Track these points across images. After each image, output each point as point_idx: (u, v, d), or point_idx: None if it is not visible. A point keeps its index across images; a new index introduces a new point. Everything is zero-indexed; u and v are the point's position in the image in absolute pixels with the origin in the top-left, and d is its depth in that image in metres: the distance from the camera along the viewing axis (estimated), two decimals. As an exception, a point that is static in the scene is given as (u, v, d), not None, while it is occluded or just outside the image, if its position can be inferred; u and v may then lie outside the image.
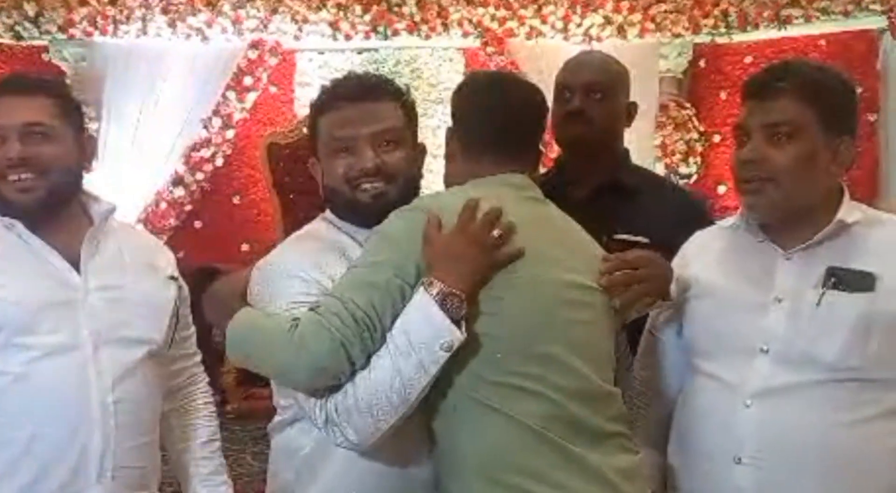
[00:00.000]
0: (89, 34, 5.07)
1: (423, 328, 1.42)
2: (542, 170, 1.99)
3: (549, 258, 1.54)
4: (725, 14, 5.13)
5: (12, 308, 1.67)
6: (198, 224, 5.35)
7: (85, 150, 1.81)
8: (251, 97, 5.29)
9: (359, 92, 1.64)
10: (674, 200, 2.23)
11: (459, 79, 5.40)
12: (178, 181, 5.21)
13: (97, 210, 1.81)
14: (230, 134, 5.27)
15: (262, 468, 1.75)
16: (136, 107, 5.07)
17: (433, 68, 5.43)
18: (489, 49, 5.21)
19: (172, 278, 1.87)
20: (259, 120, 5.39)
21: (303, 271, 1.55)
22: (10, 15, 5.01)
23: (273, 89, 5.40)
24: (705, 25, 5.18)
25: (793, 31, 5.09)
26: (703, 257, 1.77)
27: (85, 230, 1.77)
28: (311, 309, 1.47)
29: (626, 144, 2.27)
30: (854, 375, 1.55)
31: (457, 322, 1.42)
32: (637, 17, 5.13)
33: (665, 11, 5.15)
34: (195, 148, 5.22)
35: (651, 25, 5.15)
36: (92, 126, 4.52)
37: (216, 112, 5.21)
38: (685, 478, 1.71)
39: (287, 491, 1.62)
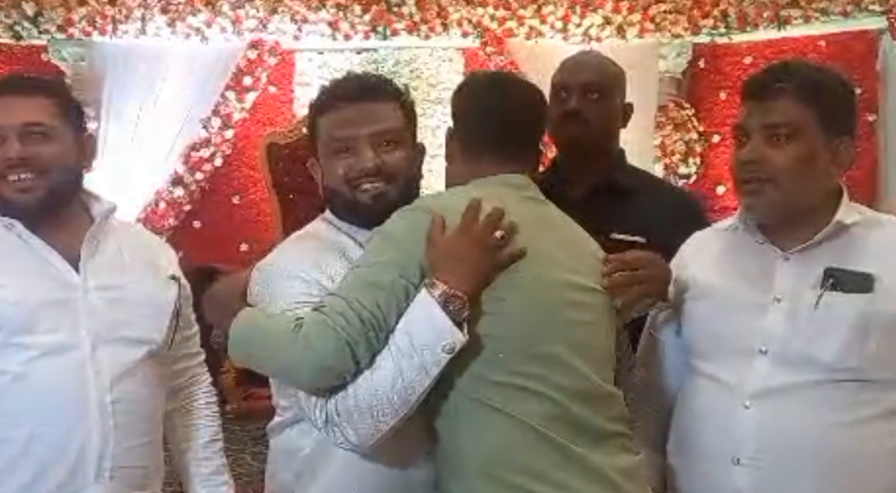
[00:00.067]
0: (88, 34, 5.06)
1: (426, 330, 1.42)
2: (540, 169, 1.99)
3: (550, 259, 1.54)
4: (725, 14, 5.13)
5: (12, 308, 1.67)
6: (197, 224, 5.35)
7: (85, 149, 1.81)
8: (251, 97, 5.28)
9: (358, 92, 1.64)
10: (669, 200, 2.23)
11: (459, 79, 5.42)
12: (177, 181, 5.20)
13: (98, 209, 1.82)
14: (229, 134, 5.26)
15: (262, 468, 1.75)
16: (135, 106, 5.06)
17: (433, 68, 5.43)
18: (489, 49, 5.21)
19: (173, 277, 1.87)
20: (258, 120, 5.38)
21: (303, 271, 1.55)
22: (8, 14, 5.00)
23: (272, 89, 5.39)
24: (705, 26, 5.17)
25: (792, 32, 5.08)
26: (701, 258, 1.78)
27: (86, 230, 1.77)
28: (316, 309, 1.47)
29: (625, 145, 2.28)
30: (852, 375, 1.55)
31: (459, 324, 1.42)
32: (636, 17, 5.12)
33: (664, 12, 5.14)
34: (194, 148, 5.21)
35: (650, 26, 5.15)
36: (91, 126, 4.51)
37: (215, 112, 5.20)
38: (684, 479, 1.71)
39: (287, 492, 1.62)
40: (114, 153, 4.89)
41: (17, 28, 5.03)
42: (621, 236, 1.82)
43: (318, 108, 1.67)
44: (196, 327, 1.97)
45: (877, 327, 1.55)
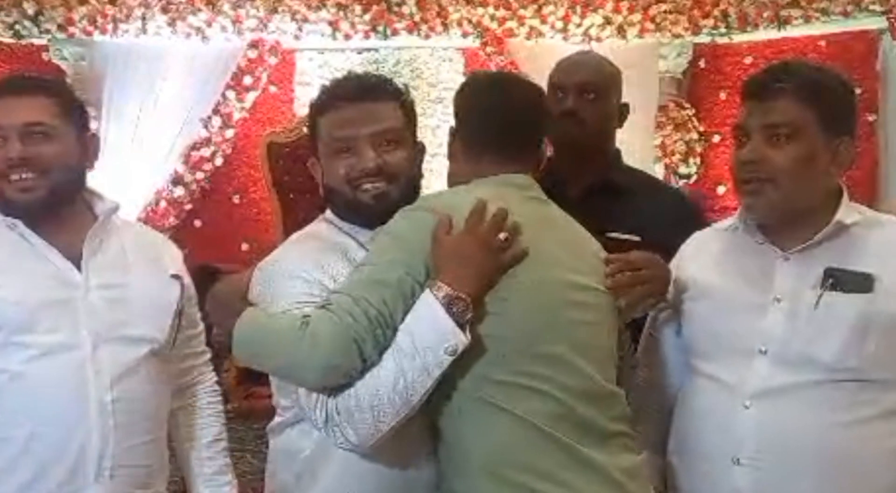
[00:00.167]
0: (89, 33, 5.06)
1: (429, 332, 1.42)
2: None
3: (552, 259, 1.54)
4: (725, 14, 5.12)
5: (12, 308, 1.67)
6: (197, 223, 5.35)
7: (88, 149, 1.82)
8: (251, 97, 5.28)
9: (358, 92, 1.64)
10: (665, 199, 2.24)
11: (459, 79, 5.43)
12: (177, 180, 5.20)
13: (102, 208, 1.82)
14: (230, 133, 5.27)
15: (263, 466, 1.74)
16: (135, 106, 5.06)
17: (433, 68, 5.43)
18: (489, 49, 5.21)
19: (176, 276, 1.87)
20: (259, 119, 5.39)
21: (305, 271, 1.55)
22: (9, 13, 5.01)
23: (273, 89, 5.39)
24: (705, 26, 5.17)
25: (792, 32, 5.08)
26: (701, 258, 1.78)
27: (89, 228, 1.77)
28: (322, 307, 1.47)
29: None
30: (852, 376, 1.55)
31: (462, 326, 1.42)
32: (637, 17, 5.12)
33: (665, 12, 5.14)
34: (195, 147, 5.21)
35: (651, 26, 5.15)
36: (92, 125, 4.51)
37: (216, 111, 5.21)
38: (684, 479, 1.71)
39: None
40: (114, 153, 4.89)
41: (18, 27, 5.04)
42: (617, 235, 1.82)
43: (318, 107, 1.67)
44: (201, 327, 1.97)
45: (876, 327, 1.55)
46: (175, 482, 1.96)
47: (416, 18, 5.14)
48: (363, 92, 1.64)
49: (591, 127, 2.13)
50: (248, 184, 5.44)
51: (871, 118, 4.83)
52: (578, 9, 5.11)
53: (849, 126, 1.64)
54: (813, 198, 1.62)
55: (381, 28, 5.15)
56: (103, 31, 5.06)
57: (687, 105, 5.27)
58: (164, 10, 5.04)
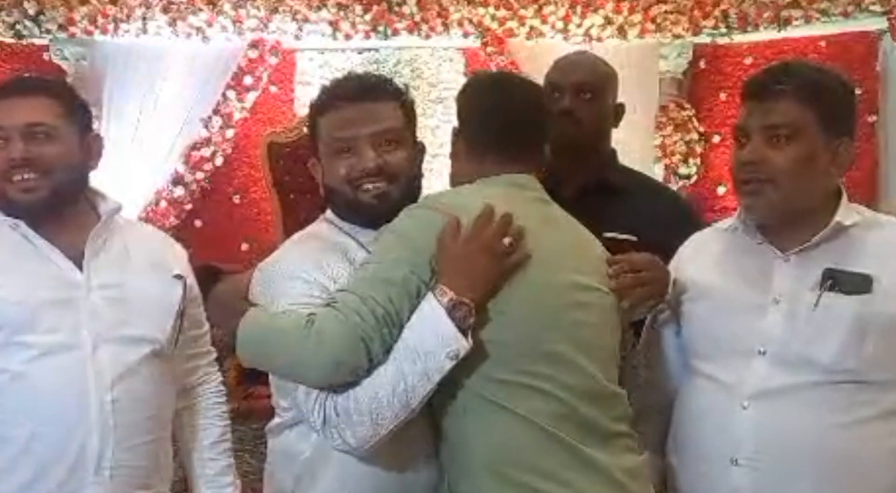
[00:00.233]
0: (90, 33, 5.05)
1: (431, 336, 1.42)
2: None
3: (555, 259, 1.55)
4: (725, 15, 5.12)
5: (14, 309, 1.67)
6: (198, 223, 5.34)
7: (91, 149, 1.82)
8: (251, 96, 5.27)
9: (358, 92, 1.64)
10: (660, 200, 2.25)
11: (460, 79, 5.44)
12: (178, 180, 5.20)
13: (105, 208, 1.82)
14: (230, 133, 5.26)
15: (262, 467, 1.74)
16: (136, 106, 5.05)
17: (433, 68, 5.42)
18: (489, 49, 5.20)
19: (179, 276, 1.87)
20: (259, 119, 5.38)
21: (305, 272, 1.55)
22: (10, 13, 5.00)
23: (273, 89, 5.39)
24: (705, 26, 5.17)
25: (793, 33, 5.07)
26: (699, 259, 1.78)
27: (92, 228, 1.77)
28: (328, 305, 1.47)
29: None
30: (850, 376, 1.55)
31: (464, 331, 1.42)
32: (637, 17, 5.12)
33: (665, 12, 5.13)
34: (195, 147, 5.21)
35: (651, 26, 5.14)
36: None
37: (216, 111, 5.20)
38: (683, 479, 1.71)
39: None
40: (114, 152, 4.89)
41: (19, 27, 5.03)
42: (613, 235, 1.83)
43: (318, 108, 1.67)
44: (206, 327, 1.97)
45: (875, 328, 1.55)
46: (175, 483, 1.96)
47: (417, 18, 5.14)
48: (363, 92, 1.64)
49: (588, 127, 2.13)
50: (248, 184, 5.44)
51: (871, 119, 4.83)
52: (579, 9, 5.11)
53: (849, 127, 1.64)
54: (812, 199, 1.63)
55: (381, 28, 5.15)
56: (104, 31, 5.06)
57: (687, 105, 5.26)
58: (165, 10, 5.04)
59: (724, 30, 5.18)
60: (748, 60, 5.21)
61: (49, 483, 1.68)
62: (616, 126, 2.25)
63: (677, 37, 5.20)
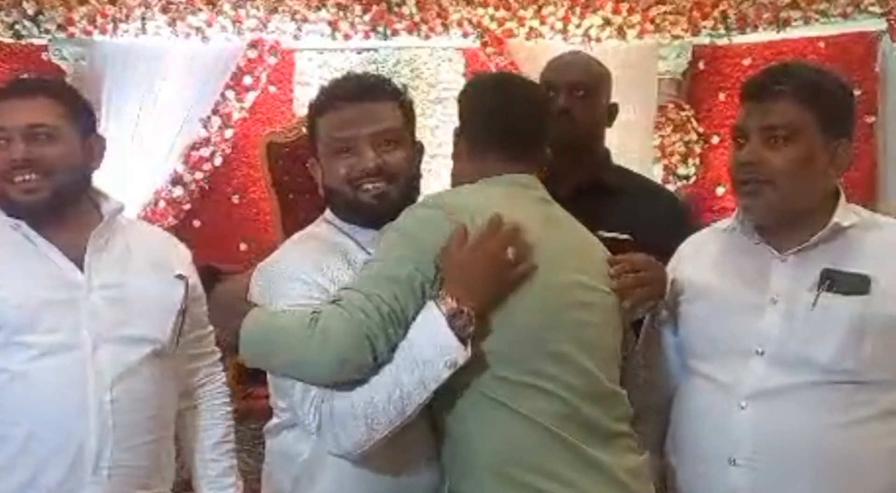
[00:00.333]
0: (89, 33, 5.05)
1: (429, 345, 1.42)
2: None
3: (558, 260, 1.55)
4: (724, 16, 5.12)
5: (14, 311, 1.68)
6: (196, 223, 5.34)
7: (92, 150, 1.82)
8: (250, 96, 5.27)
9: (357, 92, 1.64)
10: (656, 200, 2.25)
11: (459, 79, 5.44)
12: (177, 180, 5.20)
13: (107, 208, 1.82)
14: (229, 133, 5.26)
15: (260, 467, 1.74)
16: (135, 106, 5.05)
17: (432, 68, 5.42)
18: (489, 49, 5.20)
19: (180, 276, 1.86)
20: (258, 119, 5.38)
21: (304, 273, 1.55)
22: (9, 13, 5.00)
23: (272, 89, 5.38)
24: (704, 27, 5.17)
25: (792, 33, 5.07)
26: (697, 259, 1.78)
27: (95, 228, 1.78)
28: (333, 303, 1.46)
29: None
30: (848, 377, 1.55)
31: (464, 340, 1.42)
32: (636, 18, 5.12)
33: (664, 13, 5.14)
34: (194, 147, 5.20)
35: (650, 27, 5.14)
36: (91, 125, 4.51)
37: (215, 111, 5.20)
38: (681, 479, 1.71)
39: None
40: (113, 152, 4.86)
41: (18, 27, 5.03)
42: (608, 235, 1.83)
43: (317, 108, 1.67)
44: (210, 327, 1.97)
45: (873, 328, 1.55)
46: (175, 483, 1.96)
47: (416, 19, 5.14)
48: (362, 92, 1.64)
49: (582, 126, 2.14)
50: (247, 184, 5.44)
51: (870, 120, 4.83)
52: (578, 10, 5.11)
53: (847, 128, 1.65)
54: (811, 199, 1.63)
55: (380, 28, 5.15)
56: (103, 31, 5.06)
57: (686, 106, 5.26)
58: (164, 10, 5.04)
59: (722, 31, 5.18)
60: (747, 61, 5.21)
61: (48, 482, 1.68)
62: (610, 126, 2.26)
63: (676, 37, 5.20)
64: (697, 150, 5.22)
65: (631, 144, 4.65)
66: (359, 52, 5.38)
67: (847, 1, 4.86)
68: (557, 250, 1.56)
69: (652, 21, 5.14)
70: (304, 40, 5.25)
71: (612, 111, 2.25)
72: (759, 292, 1.64)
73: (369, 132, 1.61)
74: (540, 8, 5.12)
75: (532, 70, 4.73)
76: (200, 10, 5.05)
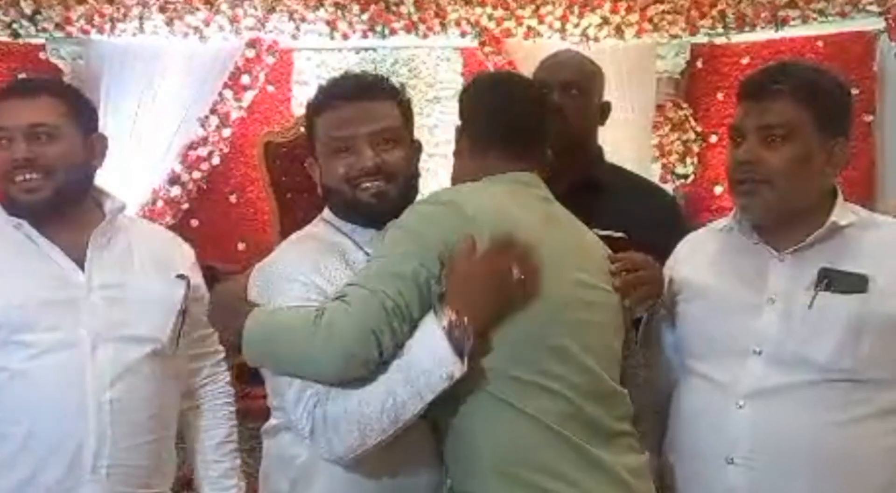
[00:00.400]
0: (86, 32, 5.05)
1: (426, 357, 1.41)
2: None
3: (560, 258, 1.54)
4: (723, 15, 5.12)
5: (16, 311, 1.68)
6: (194, 223, 5.34)
7: (94, 148, 1.82)
8: (248, 96, 5.27)
9: (355, 91, 1.64)
10: (649, 198, 2.26)
11: (457, 78, 5.43)
12: (174, 180, 5.20)
13: (110, 207, 1.83)
14: (227, 133, 5.26)
15: (258, 467, 1.74)
16: (133, 105, 5.05)
17: (431, 68, 5.43)
18: (487, 49, 5.20)
19: (181, 276, 1.86)
20: (256, 119, 5.38)
21: (302, 274, 1.55)
22: (7, 13, 4.99)
23: (270, 88, 5.39)
24: (702, 26, 5.17)
25: (790, 33, 5.08)
26: (695, 259, 1.78)
27: (97, 227, 1.78)
28: (337, 298, 1.46)
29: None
30: (846, 376, 1.55)
31: (461, 354, 1.41)
32: (634, 17, 5.12)
33: (662, 12, 5.14)
34: (192, 147, 5.20)
35: (648, 26, 5.15)
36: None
37: (213, 111, 5.20)
38: (679, 478, 1.71)
39: None
40: (111, 152, 4.88)
41: (16, 26, 5.03)
42: (603, 233, 1.83)
43: (315, 107, 1.67)
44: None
45: (870, 327, 1.55)
46: (175, 480, 1.96)
47: (414, 18, 5.14)
48: (360, 91, 1.64)
49: (576, 124, 2.14)
50: (245, 183, 5.44)
51: (868, 119, 4.84)
52: (576, 9, 5.11)
53: (844, 127, 1.65)
54: (808, 199, 1.63)
55: (378, 28, 5.15)
56: (101, 31, 5.05)
57: (684, 105, 5.27)
58: (162, 10, 5.04)
59: (721, 30, 5.19)
60: (745, 60, 5.22)
61: (47, 481, 1.68)
62: (603, 124, 2.27)
63: (674, 37, 5.20)
64: (696, 149, 5.22)
65: (629, 143, 4.65)
66: (357, 52, 5.38)
67: (845, 0, 4.86)
68: (558, 249, 1.55)
69: (650, 20, 5.15)
70: (302, 40, 5.25)
71: (605, 109, 2.25)
72: (757, 291, 1.64)
73: (368, 131, 1.61)
74: (538, 7, 5.12)
75: (530, 69, 4.71)
76: (198, 9, 5.05)
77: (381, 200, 1.60)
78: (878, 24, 4.87)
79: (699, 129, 5.25)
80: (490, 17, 5.14)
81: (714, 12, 5.13)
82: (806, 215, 1.62)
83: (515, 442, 1.47)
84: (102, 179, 1.91)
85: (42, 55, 5.14)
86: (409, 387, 1.41)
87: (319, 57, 5.40)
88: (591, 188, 2.12)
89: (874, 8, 4.83)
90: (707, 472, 1.63)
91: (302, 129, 1.85)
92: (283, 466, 1.60)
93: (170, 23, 5.06)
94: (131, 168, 5.01)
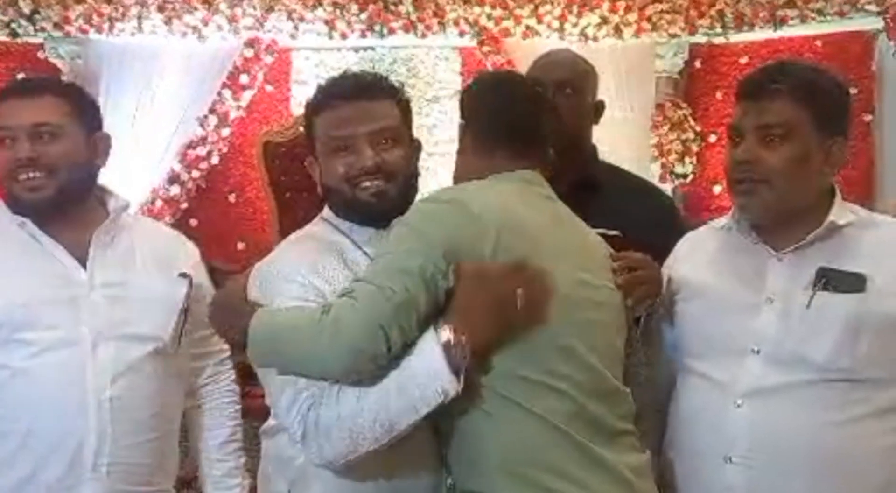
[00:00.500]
0: (85, 32, 5.05)
1: (422, 372, 1.41)
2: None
3: (564, 258, 1.55)
4: (721, 14, 5.12)
5: (19, 310, 1.69)
6: (193, 222, 5.34)
7: (97, 147, 1.82)
8: (247, 95, 5.28)
9: (355, 91, 1.64)
10: (643, 196, 2.26)
11: (456, 78, 5.44)
12: (173, 179, 5.20)
13: (114, 205, 1.83)
14: (226, 132, 5.26)
15: (258, 466, 1.74)
16: (131, 105, 5.05)
17: (429, 67, 5.43)
18: (485, 48, 5.20)
19: (184, 275, 1.86)
20: (255, 118, 5.38)
21: (301, 274, 1.54)
22: (5, 12, 4.99)
23: (269, 88, 5.39)
24: (701, 25, 5.17)
25: (788, 32, 5.08)
26: (694, 258, 1.78)
27: (100, 226, 1.78)
28: (343, 295, 1.46)
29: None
30: (844, 375, 1.55)
31: (457, 372, 1.40)
32: (633, 16, 5.12)
33: (661, 11, 5.14)
34: (191, 146, 5.21)
35: (647, 25, 5.14)
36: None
37: (212, 110, 5.20)
38: (677, 476, 1.72)
39: None
40: (110, 151, 4.89)
41: (14, 26, 5.02)
42: (598, 231, 1.84)
43: (314, 107, 1.67)
44: None
45: (869, 327, 1.55)
46: (176, 482, 1.96)
47: (413, 17, 5.14)
48: (359, 91, 1.64)
49: (570, 123, 2.14)
50: (244, 183, 5.44)
51: (867, 118, 4.85)
52: (575, 8, 5.11)
53: (843, 126, 1.65)
54: (806, 198, 1.63)
55: (377, 27, 5.15)
56: (99, 30, 5.06)
57: (683, 105, 5.27)
58: (161, 9, 5.04)
59: (719, 29, 5.19)
60: (744, 60, 5.22)
61: (47, 479, 1.69)
62: (597, 122, 2.27)
63: (673, 36, 5.20)
64: (695, 148, 5.22)
65: (628, 142, 4.65)
66: (356, 51, 5.38)
67: (843, 0, 4.86)
68: (561, 249, 1.56)
69: (649, 20, 5.15)
70: (300, 39, 5.25)
71: (599, 108, 2.26)
72: (756, 290, 1.64)
73: (367, 130, 1.61)
74: (537, 7, 5.12)
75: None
76: (197, 8, 5.05)
77: (380, 200, 1.60)
78: (876, 23, 4.87)
79: (698, 128, 5.25)
80: (489, 17, 5.14)
81: (713, 12, 5.13)
82: (804, 215, 1.63)
83: (523, 442, 1.46)
84: (102, 178, 1.91)
85: (40, 55, 5.13)
86: (404, 399, 1.41)
87: (318, 56, 5.40)
88: (586, 187, 2.12)
89: (873, 7, 4.83)
90: (705, 471, 1.63)
91: (301, 128, 1.85)
92: (281, 467, 1.60)
93: (168, 22, 5.06)
94: (130, 167, 5.01)
